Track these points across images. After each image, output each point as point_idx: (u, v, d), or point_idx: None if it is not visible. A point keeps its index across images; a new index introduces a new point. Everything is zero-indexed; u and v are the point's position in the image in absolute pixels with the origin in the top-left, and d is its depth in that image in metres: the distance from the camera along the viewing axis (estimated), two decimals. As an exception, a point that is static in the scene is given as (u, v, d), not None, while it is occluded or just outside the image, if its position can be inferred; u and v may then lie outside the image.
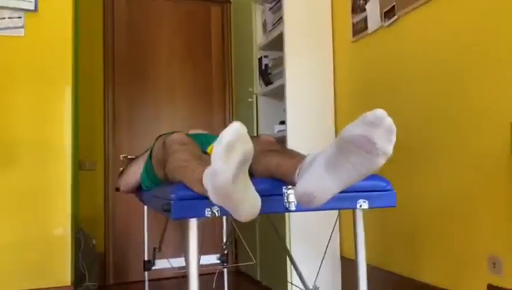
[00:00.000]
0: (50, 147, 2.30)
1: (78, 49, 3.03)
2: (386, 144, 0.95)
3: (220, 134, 0.95)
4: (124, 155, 2.28)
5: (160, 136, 1.65)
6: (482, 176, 1.67)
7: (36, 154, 2.29)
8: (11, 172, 2.49)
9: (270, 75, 2.85)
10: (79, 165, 3.11)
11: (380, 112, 0.94)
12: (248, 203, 1.05)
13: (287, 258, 2.37)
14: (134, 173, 1.85)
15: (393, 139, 0.95)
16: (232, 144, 0.94)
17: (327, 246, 2.25)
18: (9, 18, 2.65)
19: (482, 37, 1.67)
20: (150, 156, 1.65)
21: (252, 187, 1.08)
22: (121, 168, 2.11)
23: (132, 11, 3.36)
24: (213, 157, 0.95)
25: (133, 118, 3.32)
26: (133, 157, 2.18)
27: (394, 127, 0.95)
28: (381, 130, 0.94)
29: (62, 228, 2.28)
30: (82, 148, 3.13)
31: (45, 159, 2.29)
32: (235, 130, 0.95)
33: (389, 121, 0.94)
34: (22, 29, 2.60)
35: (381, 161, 0.97)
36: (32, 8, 2.60)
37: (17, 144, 2.58)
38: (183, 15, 3.48)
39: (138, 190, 1.96)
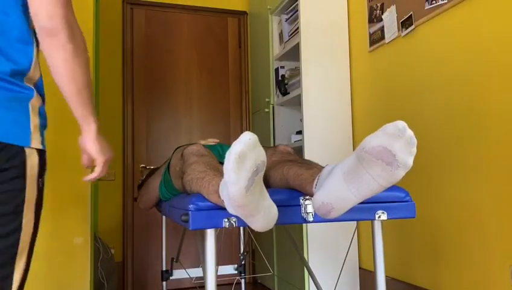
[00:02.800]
0: (71, 158, 2.34)
1: (99, 61, 3.10)
2: (407, 156, 0.94)
3: (231, 145, 0.95)
4: (142, 165, 2.31)
5: (178, 147, 1.66)
6: (502, 185, 1.64)
7: (57, 165, 2.33)
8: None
9: (287, 85, 2.85)
10: (98, 176, 3.15)
11: (401, 124, 0.93)
12: (264, 213, 1.04)
13: (305, 269, 2.35)
14: (153, 191, 1.86)
15: (414, 151, 0.95)
16: (243, 154, 0.93)
17: (345, 257, 2.23)
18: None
19: (500, 44, 1.65)
20: (168, 167, 1.67)
21: (269, 197, 1.08)
22: (140, 179, 2.14)
23: (151, 23, 3.42)
24: (225, 169, 0.94)
25: (151, 129, 3.36)
26: (152, 167, 2.20)
27: (415, 139, 0.94)
28: (402, 142, 0.94)
29: (82, 237, 2.31)
30: (101, 158, 3.17)
31: (66, 169, 2.33)
32: (245, 140, 0.93)
33: (409, 133, 0.93)
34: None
35: (401, 173, 0.96)
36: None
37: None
38: (200, 27, 3.52)
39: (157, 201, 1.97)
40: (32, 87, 0.98)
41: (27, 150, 0.94)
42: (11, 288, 0.94)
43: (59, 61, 0.95)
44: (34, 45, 1.00)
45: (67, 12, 0.94)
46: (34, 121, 0.97)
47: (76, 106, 1.02)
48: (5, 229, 0.92)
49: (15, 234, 0.94)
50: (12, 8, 0.95)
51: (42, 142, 0.99)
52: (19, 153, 0.93)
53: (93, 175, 1.14)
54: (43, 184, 1.00)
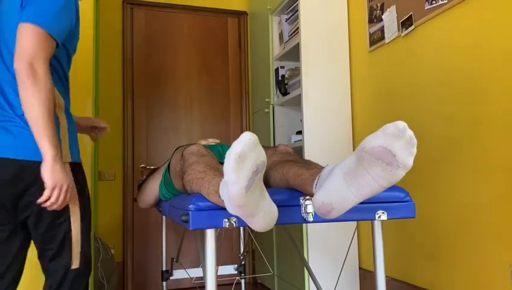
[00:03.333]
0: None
1: (99, 62, 3.10)
2: (407, 156, 0.94)
3: (231, 145, 0.95)
4: (142, 165, 2.31)
5: (179, 148, 1.66)
6: (503, 185, 1.64)
7: (57, 165, 2.33)
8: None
9: (287, 85, 2.85)
10: (98, 176, 3.16)
11: (402, 124, 0.93)
12: (264, 213, 1.05)
13: (305, 269, 2.35)
14: (153, 191, 1.87)
15: (414, 151, 0.95)
16: (243, 154, 0.93)
17: (346, 257, 2.23)
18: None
19: (500, 44, 1.65)
20: (168, 167, 1.67)
21: (269, 197, 1.08)
22: (140, 179, 2.14)
23: (150, 23, 3.41)
24: (225, 169, 0.94)
25: (151, 129, 3.36)
26: (152, 167, 2.20)
27: (415, 140, 0.94)
28: (402, 142, 0.94)
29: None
30: (101, 159, 3.17)
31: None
32: (245, 140, 0.93)
33: (410, 133, 0.94)
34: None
35: (402, 173, 0.97)
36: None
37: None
38: (200, 27, 3.52)
39: (157, 201, 1.97)
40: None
41: None
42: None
43: (20, 92, 1.19)
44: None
45: (36, 53, 1.19)
46: None
47: (34, 133, 1.18)
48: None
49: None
50: None
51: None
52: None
53: (40, 200, 1.21)
54: None
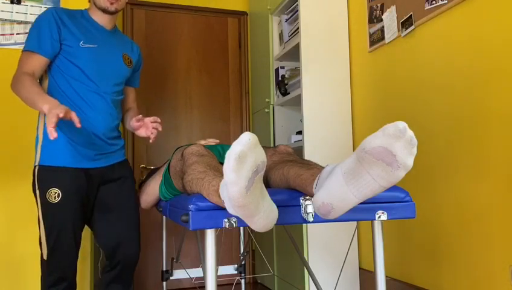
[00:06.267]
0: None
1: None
2: (407, 157, 0.95)
3: (231, 145, 0.95)
4: (142, 165, 2.31)
5: (179, 148, 1.67)
6: (503, 185, 1.64)
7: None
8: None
9: (287, 85, 2.85)
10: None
11: (402, 124, 0.93)
12: (264, 213, 1.05)
13: (305, 269, 2.35)
14: (153, 191, 1.88)
15: (414, 151, 0.95)
16: (243, 154, 0.93)
17: (346, 258, 2.23)
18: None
19: (500, 44, 1.65)
20: (168, 167, 1.67)
21: (269, 197, 1.08)
22: (140, 179, 2.14)
23: (150, 23, 3.41)
24: (225, 169, 0.94)
25: (151, 129, 3.35)
26: (152, 167, 2.20)
27: (415, 140, 0.94)
28: (402, 143, 0.94)
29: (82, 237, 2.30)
30: (101, 158, 3.16)
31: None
32: (245, 141, 0.93)
33: (410, 133, 0.94)
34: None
35: (402, 174, 0.97)
36: (55, 22, 2.67)
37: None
38: (200, 27, 3.52)
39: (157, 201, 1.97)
40: None
41: None
42: None
43: None
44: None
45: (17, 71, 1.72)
46: None
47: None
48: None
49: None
50: None
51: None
52: None
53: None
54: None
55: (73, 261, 1.76)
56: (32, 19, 2.53)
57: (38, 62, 1.71)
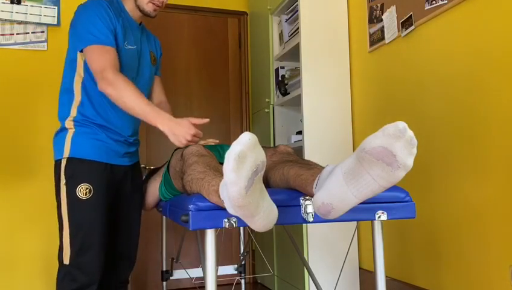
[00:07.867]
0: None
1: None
2: (407, 157, 0.95)
3: (231, 145, 0.95)
4: (142, 166, 2.31)
5: (178, 148, 1.67)
6: (502, 185, 1.64)
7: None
8: (35, 183, 2.54)
9: (287, 85, 2.85)
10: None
11: (402, 124, 0.93)
12: (264, 213, 1.05)
13: (305, 269, 2.35)
14: (153, 191, 1.89)
15: (414, 151, 0.95)
16: (242, 154, 0.93)
17: (345, 257, 2.23)
18: (32, 33, 2.73)
19: (500, 44, 1.65)
20: (168, 168, 1.67)
21: (268, 197, 1.08)
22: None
23: (150, 22, 3.41)
24: (224, 169, 0.94)
25: (151, 129, 3.34)
26: (152, 167, 2.20)
27: (415, 140, 0.94)
28: (402, 143, 0.94)
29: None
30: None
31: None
32: (245, 141, 0.93)
33: (410, 133, 0.94)
34: (45, 44, 2.67)
35: (402, 174, 0.97)
36: (55, 22, 2.67)
37: (40, 156, 2.63)
38: (200, 27, 3.52)
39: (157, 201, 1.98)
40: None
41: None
42: None
43: None
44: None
45: None
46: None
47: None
48: None
49: None
50: None
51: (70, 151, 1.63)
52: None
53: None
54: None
55: (102, 264, 1.58)
56: (32, 19, 2.54)
57: (115, 55, 1.58)
